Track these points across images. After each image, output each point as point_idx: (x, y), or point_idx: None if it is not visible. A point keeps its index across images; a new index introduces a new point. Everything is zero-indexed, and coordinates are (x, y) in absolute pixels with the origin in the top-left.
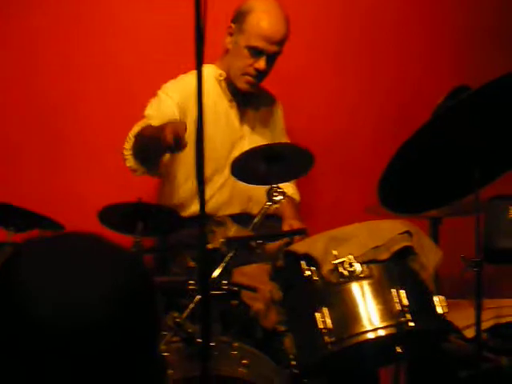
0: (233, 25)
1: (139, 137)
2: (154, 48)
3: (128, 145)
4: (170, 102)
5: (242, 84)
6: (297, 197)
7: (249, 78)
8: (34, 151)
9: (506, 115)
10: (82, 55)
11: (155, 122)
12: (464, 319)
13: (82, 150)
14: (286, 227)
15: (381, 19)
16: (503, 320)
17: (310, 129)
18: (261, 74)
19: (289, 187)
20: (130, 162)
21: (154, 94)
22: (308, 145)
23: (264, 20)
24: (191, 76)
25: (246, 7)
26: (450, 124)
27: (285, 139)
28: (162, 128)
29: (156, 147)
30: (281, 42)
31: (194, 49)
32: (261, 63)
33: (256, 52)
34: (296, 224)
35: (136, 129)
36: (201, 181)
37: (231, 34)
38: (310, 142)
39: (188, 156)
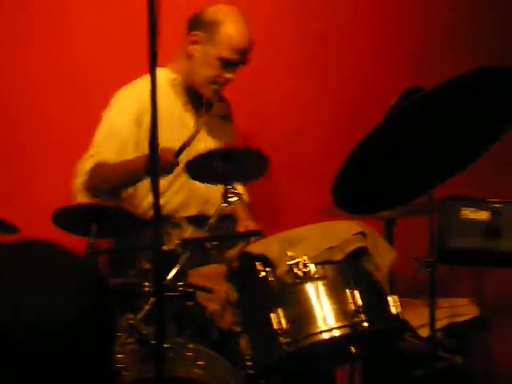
0: (199, 33)
1: (94, 177)
2: (108, 49)
3: (80, 180)
4: (122, 122)
5: (208, 92)
6: (246, 197)
7: (216, 87)
8: None
9: (458, 116)
10: (38, 55)
11: (106, 151)
12: (418, 318)
13: (36, 151)
14: (241, 228)
15: (334, 18)
16: (457, 319)
17: (263, 130)
18: (227, 83)
19: (238, 187)
20: (81, 197)
21: (108, 95)
22: (262, 146)
23: (235, 32)
24: (145, 81)
25: (213, 17)
26: (402, 125)
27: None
28: (140, 160)
29: (132, 179)
30: (249, 52)
31: (147, 51)
32: (231, 74)
33: (228, 63)
34: (251, 225)
35: (88, 165)
36: (155, 181)
37: (196, 42)
38: (263, 143)
39: None
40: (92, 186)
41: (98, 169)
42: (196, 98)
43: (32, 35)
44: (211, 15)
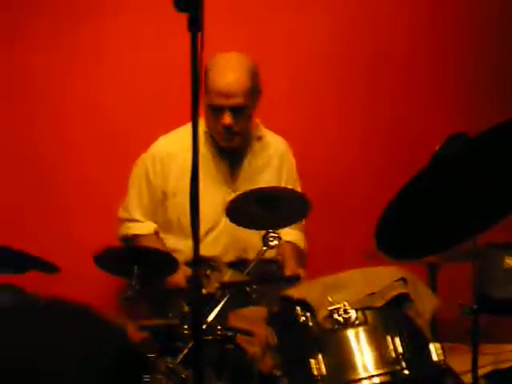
0: (203, 85)
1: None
2: (146, 96)
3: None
4: (141, 188)
5: (221, 142)
6: (301, 244)
7: (223, 136)
8: (29, 193)
9: (502, 162)
10: (75, 99)
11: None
12: (462, 364)
13: (78, 192)
14: (287, 274)
15: (384, 63)
16: (502, 365)
17: (309, 173)
18: (230, 130)
19: (292, 233)
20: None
21: (145, 140)
22: (308, 189)
23: (218, 76)
24: (172, 136)
25: (208, 65)
26: (446, 171)
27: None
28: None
29: None
30: (240, 94)
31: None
32: (225, 119)
33: (216, 109)
34: (298, 271)
35: (121, 232)
36: (195, 226)
37: (203, 95)
38: (310, 186)
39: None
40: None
41: (134, 241)
42: (224, 149)
43: (73, 78)
44: (207, 64)
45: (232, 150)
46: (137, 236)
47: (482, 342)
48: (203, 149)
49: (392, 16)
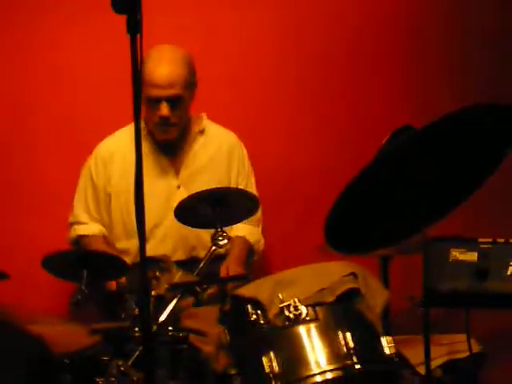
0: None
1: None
2: (100, 94)
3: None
4: (87, 192)
5: (158, 135)
6: (251, 238)
7: (160, 128)
8: None
9: (449, 154)
10: (33, 103)
11: (80, 213)
12: (418, 356)
13: (27, 198)
14: (222, 270)
15: (333, 58)
16: (457, 355)
17: (262, 169)
18: (168, 121)
19: (244, 228)
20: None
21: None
22: (262, 181)
23: (152, 68)
24: (112, 137)
25: (144, 58)
26: (393, 164)
27: (244, 180)
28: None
29: None
30: (174, 85)
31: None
32: (162, 110)
33: (153, 101)
34: (232, 268)
35: (70, 234)
36: (140, 228)
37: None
38: (263, 182)
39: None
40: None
41: (80, 243)
42: (175, 142)
43: (32, 81)
44: (143, 56)
45: (172, 144)
46: (82, 236)
47: (437, 332)
48: (143, 145)
49: (338, 12)
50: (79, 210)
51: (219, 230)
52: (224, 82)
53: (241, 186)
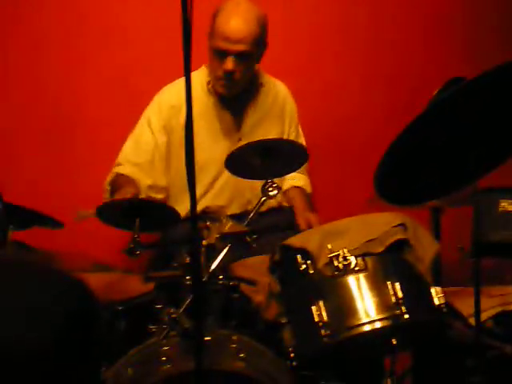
0: (209, 29)
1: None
2: (152, 50)
3: (105, 195)
4: (148, 136)
5: (219, 88)
6: (308, 188)
7: (222, 82)
8: (34, 149)
9: (501, 106)
10: (87, 57)
11: (129, 157)
12: (469, 307)
13: (81, 148)
14: (300, 220)
15: (385, 7)
16: (508, 307)
17: (310, 119)
18: (232, 75)
19: (300, 179)
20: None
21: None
22: (310, 135)
23: (225, 20)
24: (176, 86)
25: (217, 9)
26: (444, 115)
27: (294, 131)
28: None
29: None
30: (245, 41)
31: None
32: (228, 64)
33: (220, 53)
34: (311, 217)
35: (109, 178)
36: (191, 177)
37: (209, 39)
38: (312, 132)
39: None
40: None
41: (115, 183)
42: (236, 95)
43: (82, 40)
44: (217, 7)
45: (235, 98)
46: (117, 175)
47: (489, 284)
48: (206, 99)
49: None
50: (127, 150)
51: (269, 181)
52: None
53: (291, 137)
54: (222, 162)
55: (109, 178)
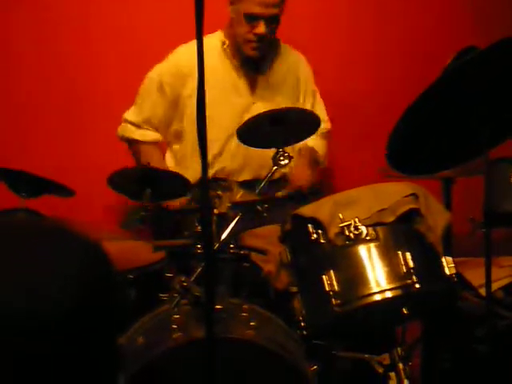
0: None
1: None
2: (163, 13)
3: (121, 131)
4: (153, 98)
5: (248, 51)
6: (320, 149)
7: (253, 45)
8: (44, 118)
9: None
10: (96, 25)
11: (133, 115)
12: (479, 277)
13: (92, 117)
14: (292, 180)
15: None
16: None
17: (325, 91)
18: (263, 38)
19: (316, 141)
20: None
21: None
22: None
23: None
24: (186, 48)
25: None
26: (456, 85)
27: (311, 99)
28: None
29: None
30: (277, 4)
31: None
32: (260, 28)
33: (253, 18)
34: (304, 174)
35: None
36: (203, 146)
37: (232, 3)
38: (325, 101)
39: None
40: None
41: (132, 147)
42: (250, 60)
43: (96, 14)
44: None
45: (251, 62)
46: (136, 141)
47: (498, 254)
48: (221, 61)
49: None
50: (138, 110)
51: (280, 149)
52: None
53: (307, 105)
54: (236, 124)
55: (121, 134)
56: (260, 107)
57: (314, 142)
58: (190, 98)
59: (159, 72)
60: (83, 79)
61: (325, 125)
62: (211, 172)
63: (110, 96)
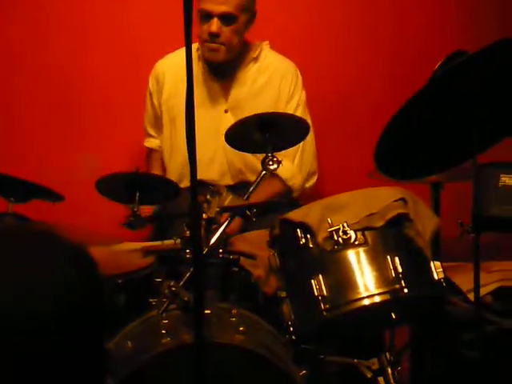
0: None
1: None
2: (162, 15)
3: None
4: (147, 106)
5: (205, 53)
6: (291, 182)
7: (208, 45)
8: (34, 121)
9: (502, 81)
10: (91, 26)
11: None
12: (468, 282)
13: (81, 121)
14: None
15: None
16: (509, 283)
17: (313, 93)
18: (216, 38)
19: (288, 171)
20: None
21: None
22: (312, 108)
23: None
24: (167, 56)
25: None
26: (445, 90)
27: (291, 105)
28: None
29: None
30: (231, 3)
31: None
32: (212, 26)
33: (205, 15)
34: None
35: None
36: (191, 150)
37: (197, 3)
38: (314, 105)
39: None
40: None
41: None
42: (227, 66)
43: (89, 13)
44: None
45: (223, 69)
46: (150, 149)
47: (488, 259)
48: (196, 65)
49: None
50: (146, 123)
51: (269, 154)
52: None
53: (290, 112)
54: (209, 132)
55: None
56: (230, 116)
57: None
58: (166, 103)
59: (149, 80)
60: (74, 83)
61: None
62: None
63: (105, 99)
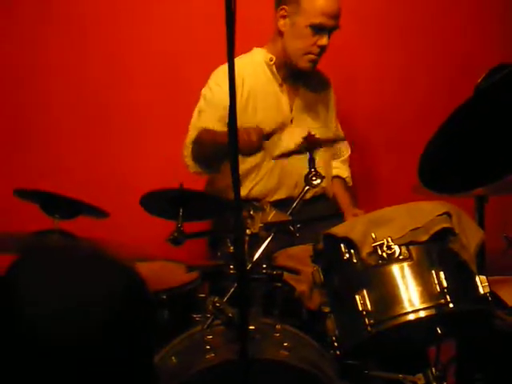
0: (286, 7)
1: (199, 144)
2: (199, 32)
3: (187, 151)
4: (221, 92)
5: (305, 63)
6: (350, 182)
7: (312, 57)
8: (77, 139)
9: None
10: (129, 41)
11: (209, 120)
12: None
13: (125, 137)
14: (349, 218)
15: None
16: None
17: (357, 104)
18: (322, 51)
19: (345, 170)
20: (193, 168)
21: (200, 80)
22: (354, 120)
23: None
24: (242, 59)
25: None
26: (489, 102)
27: (336, 123)
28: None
29: (221, 153)
30: (339, 16)
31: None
32: (324, 40)
33: (318, 29)
34: (359, 214)
35: (192, 134)
36: (235, 168)
37: (285, 17)
38: (356, 118)
39: None
40: (197, 153)
41: (201, 135)
42: (291, 77)
43: (125, 18)
44: None
45: (293, 79)
46: (206, 130)
47: None
48: (265, 76)
49: None
50: (209, 117)
51: (313, 169)
52: None
53: (333, 126)
54: (273, 142)
55: (193, 135)
56: (295, 127)
57: (346, 173)
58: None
59: (207, 90)
60: (115, 100)
61: (348, 151)
62: (245, 191)
63: (141, 117)
